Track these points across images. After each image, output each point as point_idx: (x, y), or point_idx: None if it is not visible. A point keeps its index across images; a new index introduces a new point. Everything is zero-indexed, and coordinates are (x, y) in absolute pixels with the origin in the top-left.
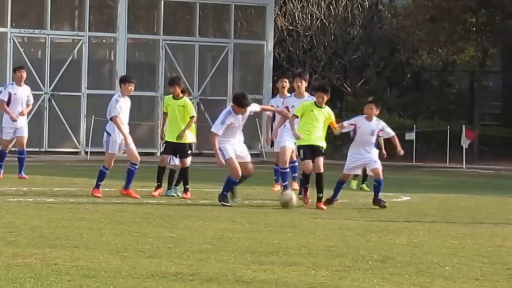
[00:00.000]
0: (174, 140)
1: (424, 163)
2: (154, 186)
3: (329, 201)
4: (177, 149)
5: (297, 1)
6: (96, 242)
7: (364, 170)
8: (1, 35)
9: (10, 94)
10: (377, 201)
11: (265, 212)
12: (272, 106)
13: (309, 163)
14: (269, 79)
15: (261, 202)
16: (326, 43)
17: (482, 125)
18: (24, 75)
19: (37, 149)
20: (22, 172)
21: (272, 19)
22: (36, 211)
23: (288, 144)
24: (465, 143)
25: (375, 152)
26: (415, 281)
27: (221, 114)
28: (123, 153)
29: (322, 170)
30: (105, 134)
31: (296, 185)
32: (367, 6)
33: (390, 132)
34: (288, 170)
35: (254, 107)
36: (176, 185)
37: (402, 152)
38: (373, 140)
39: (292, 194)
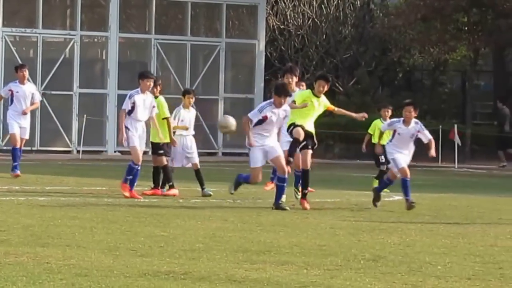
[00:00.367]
0: (154, 140)
1: (416, 163)
2: (151, 186)
3: (376, 199)
4: (155, 148)
5: (288, 1)
6: (88, 241)
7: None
8: None
9: (12, 92)
10: (409, 203)
11: (257, 211)
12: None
13: (300, 131)
14: (260, 79)
15: (252, 201)
16: (318, 42)
17: (474, 125)
18: (27, 73)
19: (29, 148)
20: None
21: (264, 18)
22: (28, 210)
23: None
24: (457, 141)
25: (410, 156)
26: (407, 280)
27: (262, 103)
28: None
29: (308, 167)
30: (125, 129)
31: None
32: (359, 5)
33: (428, 136)
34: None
35: (288, 110)
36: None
37: (433, 155)
38: (412, 142)
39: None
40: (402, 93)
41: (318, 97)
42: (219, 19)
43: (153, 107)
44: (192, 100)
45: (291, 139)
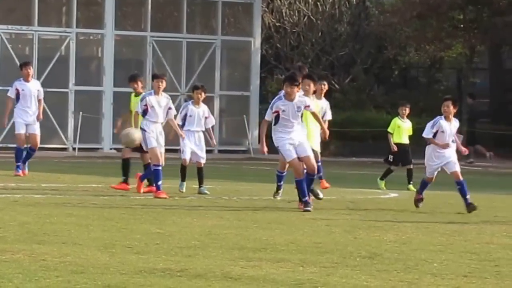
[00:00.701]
0: None
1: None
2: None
3: (419, 200)
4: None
5: None
6: (84, 238)
7: (409, 170)
8: None
9: (18, 90)
10: (468, 205)
11: (253, 208)
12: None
13: None
14: (256, 76)
15: (248, 198)
16: (314, 40)
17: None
18: (31, 71)
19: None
20: (26, 167)
21: (259, 15)
22: (24, 207)
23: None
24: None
25: (454, 153)
26: (403, 277)
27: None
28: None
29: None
30: (141, 131)
31: (325, 183)
32: (355, 2)
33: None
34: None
35: (309, 102)
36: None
37: (465, 152)
38: (452, 140)
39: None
40: (398, 90)
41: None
42: (214, 17)
43: (169, 108)
44: (201, 96)
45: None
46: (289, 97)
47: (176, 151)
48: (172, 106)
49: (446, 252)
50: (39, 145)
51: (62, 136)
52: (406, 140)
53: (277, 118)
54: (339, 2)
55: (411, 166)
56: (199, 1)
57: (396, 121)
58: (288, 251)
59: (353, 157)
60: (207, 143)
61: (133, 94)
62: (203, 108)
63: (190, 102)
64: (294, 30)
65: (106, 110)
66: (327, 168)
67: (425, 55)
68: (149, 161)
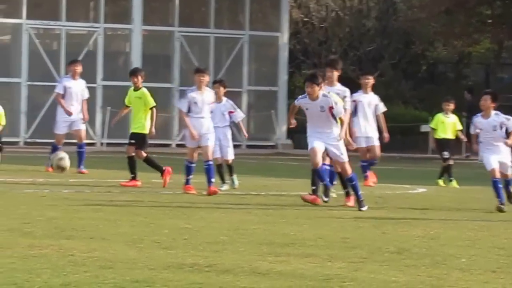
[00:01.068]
0: (134, 131)
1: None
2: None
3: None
4: (137, 139)
5: None
6: (112, 233)
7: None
8: (16, 26)
9: (65, 88)
10: (498, 205)
11: (281, 204)
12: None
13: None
14: (284, 71)
15: (276, 194)
16: (341, 35)
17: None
18: (79, 69)
19: (53, 140)
20: (82, 166)
21: (287, 10)
22: (52, 202)
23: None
24: None
25: (507, 152)
26: (431, 272)
27: None
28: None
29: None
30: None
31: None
32: None
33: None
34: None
35: (334, 104)
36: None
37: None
38: (500, 134)
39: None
40: (426, 85)
41: None
42: (242, 12)
43: (231, 112)
44: (204, 79)
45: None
46: (311, 96)
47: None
48: (237, 109)
49: (474, 247)
50: (84, 140)
51: (90, 131)
52: (450, 135)
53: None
54: None
55: (452, 162)
56: None
57: (440, 117)
58: (316, 246)
59: (381, 152)
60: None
61: (131, 88)
62: (208, 94)
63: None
64: (322, 25)
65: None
66: (356, 163)
67: (453, 50)
68: (131, 154)
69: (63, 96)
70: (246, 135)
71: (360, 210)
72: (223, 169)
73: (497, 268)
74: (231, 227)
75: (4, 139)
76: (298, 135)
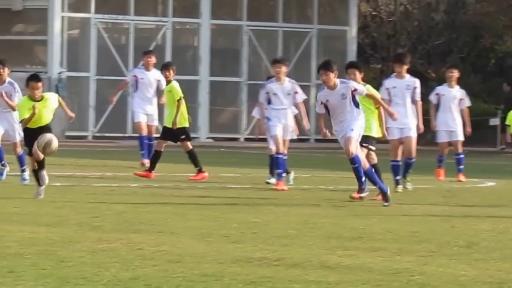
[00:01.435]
0: (167, 125)
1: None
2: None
3: None
4: (170, 134)
5: None
6: (181, 227)
7: None
8: (85, 21)
9: (137, 78)
10: None
11: (350, 197)
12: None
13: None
14: None
15: (345, 187)
16: (410, 29)
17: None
18: (152, 60)
19: (121, 134)
20: (145, 159)
21: (356, 4)
22: (121, 196)
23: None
24: None
25: None
26: (500, 266)
27: None
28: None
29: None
30: (266, 119)
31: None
32: None
33: None
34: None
35: (356, 86)
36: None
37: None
38: None
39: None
40: (494, 79)
41: None
42: (310, 6)
43: (295, 93)
44: (280, 70)
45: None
46: (328, 85)
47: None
48: (300, 90)
49: None
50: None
51: (159, 125)
52: None
53: (327, 110)
54: None
55: None
56: None
57: None
58: (385, 240)
59: (450, 146)
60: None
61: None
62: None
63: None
64: (390, 19)
65: (202, 99)
66: (424, 157)
67: None
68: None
69: (136, 87)
70: (307, 124)
71: (359, 198)
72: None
73: None
74: (300, 221)
75: (72, 133)
76: None
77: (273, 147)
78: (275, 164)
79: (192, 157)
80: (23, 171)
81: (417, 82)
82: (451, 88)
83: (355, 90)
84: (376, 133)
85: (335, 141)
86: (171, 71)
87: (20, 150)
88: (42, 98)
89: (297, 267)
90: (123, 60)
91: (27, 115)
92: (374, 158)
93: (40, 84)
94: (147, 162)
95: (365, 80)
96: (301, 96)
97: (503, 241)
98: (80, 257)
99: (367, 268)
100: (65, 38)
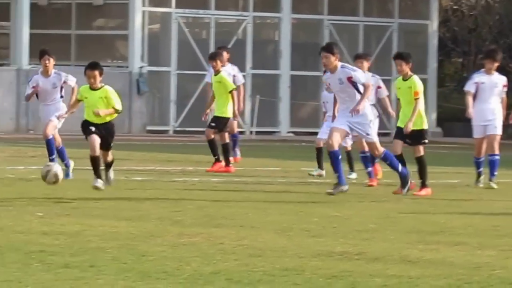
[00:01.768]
0: (217, 115)
1: None
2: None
3: None
4: (216, 123)
5: None
6: (262, 221)
7: None
8: (166, 15)
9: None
10: None
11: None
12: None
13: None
14: (434, 59)
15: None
16: (491, 23)
17: None
18: (227, 55)
19: (202, 129)
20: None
21: None
22: (202, 190)
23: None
24: None
25: None
26: None
27: None
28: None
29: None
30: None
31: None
32: None
33: None
34: None
35: (354, 74)
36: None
37: None
38: None
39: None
40: None
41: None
42: (391, 0)
43: (378, 87)
44: (361, 66)
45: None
46: (327, 68)
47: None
48: (382, 85)
49: None
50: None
51: (239, 120)
52: None
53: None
54: None
55: None
56: None
57: None
58: (466, 234)
59: None
60: None
61: (212, 74)
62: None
63: None
64: (471, 13)
65: (283, 94)
66: (505, 152)
67: None
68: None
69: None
70: (393, 112)
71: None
72: (352, 156)
73: None
74: (380, 215)
75: (153, 128)
76: (448, 123)
77: (348, 142)
78: (362, 162)
79: (211, 146)
80: (51, 160)
81: (505, 80)
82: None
83: (351, 77)
84: (426, 124)
85: None
86: (218, 62)
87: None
88: (100, 88)
89: (378, 261)
90: (204, 54)
91: (75, 101)
92: (421, 151)
93: (95, 72)
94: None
95: (447, 74)
96: (384, 91)
97: None
98: (161, 252)
99: (448, 263)
100: (146, 33)
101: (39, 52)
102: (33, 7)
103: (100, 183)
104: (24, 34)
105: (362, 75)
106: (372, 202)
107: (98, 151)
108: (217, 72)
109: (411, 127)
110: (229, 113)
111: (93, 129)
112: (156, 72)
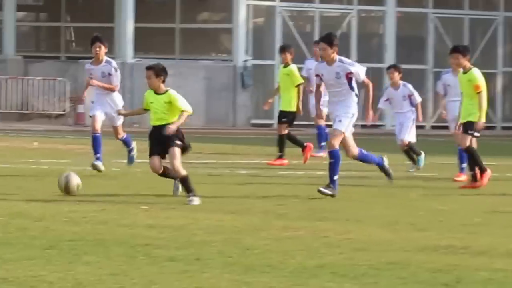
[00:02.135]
0: (283, 109)
1: None
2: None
3: None
4: (286, 117)
5: None
6: (367, 215)
7: None
8: (270, 9)
9: (307, 70)
10: None
11: None
12: None
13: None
14: None
15: None
16: None
17: None
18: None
19: (306, 122)
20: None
21: None
22: (306, 184)
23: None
24: None
25: None
26: None
27: None
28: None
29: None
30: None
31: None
32: None
33: None
34: None
35: (355, 69)
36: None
37: None
38: None
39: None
40: None
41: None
42: None
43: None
44: (453, 61)
45: None
46: (325, 59)
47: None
48: (415, 92)
49: None
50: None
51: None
52: None
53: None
54: None
55: None
56: None
57: None
58: None
59: None
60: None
61: (281, 66)
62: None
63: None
64: None
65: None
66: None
67: None
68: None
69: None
70: (421, 119)
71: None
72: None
73: None
74: (487, 209)
75: (258, 121)
76: None
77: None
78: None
79: (280, 142)
80: (130, 151)
81: None
82: None
83: (350, 73)
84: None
85: None
86: (288, 54)
87: (122, 134)
88: (165, 92)
89: (483, 255)
90: (309, 48)
91: (140, 109)
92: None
93: (150, 72)
94: (320, 155)
95: None
96: (417, 98)
97: None
98: (266, 245)
99: None
100: (250, 26)
101: (90, 39)
102: (138, 1)
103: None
104: (129, 28)
105: (362, 71)
106: (478, 196)
107: (160, 169)
108: (286, 65)
109: (482, 124)
110: (294, 107)
111: (155, 149)
112: (260, 65)
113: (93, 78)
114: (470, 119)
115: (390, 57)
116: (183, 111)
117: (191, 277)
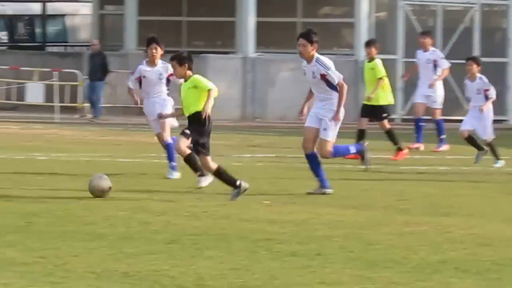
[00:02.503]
0: (366, 102)
1: None
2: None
3: None
4: (371, 112)
5: None
6: (490, 210)
7: None
8: (392, 3)
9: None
10: None
11: None
12: None
13: None
14: None
15: None
16: None
17: None
18: (426, 40)
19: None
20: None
21: None
22: (429, 179)
23: None
24: None
25: None
26: None
27: None
28: None
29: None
30: None
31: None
32: None
33: None
34: None
35: (324, 72)
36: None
37: None
38: None
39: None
40: None
41: None
42: None
43: None
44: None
45: None
46: (303, 56)
47: None
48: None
49: None
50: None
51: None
52: None
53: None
54: None
55: None
56: None
57: None
58: None
59: None
60: None
61: (366, 60)
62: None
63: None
64: None
65: (511, 82)
66: None
67: None
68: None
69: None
70: (485, 109)
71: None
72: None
73: None
74: None
75: None
76: None
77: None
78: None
79: (391, 136)
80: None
81: None
82: None
83: (324, 75)
84: None
85: None
86: (373, 49)
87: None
88: (188, 78)
89: None
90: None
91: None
92: None
93: (173, 62)
94: (416, 146)
95: None
96: (493, 92)
97: None
98: (388, 240)
99: None
100: (373, 21)
101: (146, 40)
102: None
103: (206, 181)
104: (250, 22)
105: (336, 74)
106: None
107: (185, 151)
108: (371, 59)
109: None
110: (381, 101)
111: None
112: (382, 60)
113: (147, 79)
114: None
115: None
116: (209, 89)
117: (313, 272)
